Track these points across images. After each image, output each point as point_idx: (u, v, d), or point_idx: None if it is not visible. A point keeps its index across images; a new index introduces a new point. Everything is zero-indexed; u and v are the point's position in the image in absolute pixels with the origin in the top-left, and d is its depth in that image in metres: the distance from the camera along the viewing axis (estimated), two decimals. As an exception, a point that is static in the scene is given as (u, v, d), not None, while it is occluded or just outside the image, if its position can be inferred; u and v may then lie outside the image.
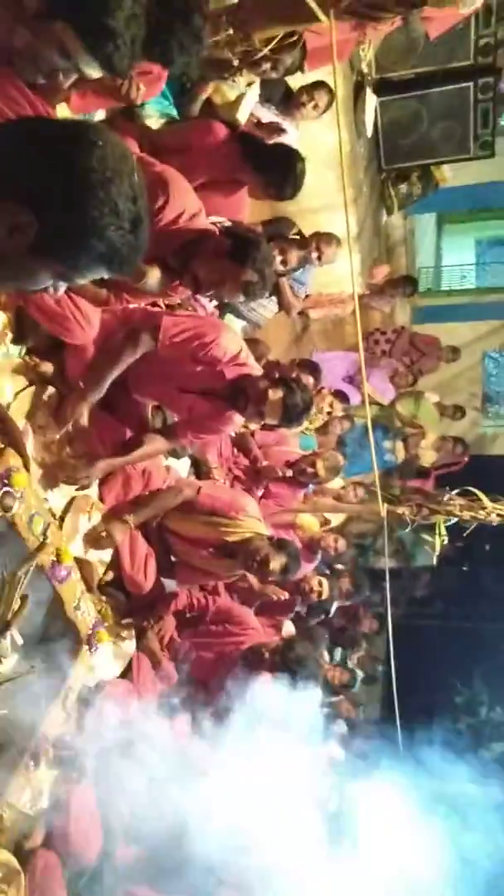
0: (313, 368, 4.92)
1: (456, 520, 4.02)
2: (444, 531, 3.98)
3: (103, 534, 2.84)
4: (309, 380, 4.62)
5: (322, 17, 2.44)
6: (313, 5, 2.37)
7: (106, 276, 1.11)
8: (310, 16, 2.42)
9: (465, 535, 4.04)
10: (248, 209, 3.16)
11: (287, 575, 3.30)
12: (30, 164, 0.96)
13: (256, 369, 2.91)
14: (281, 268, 3.88)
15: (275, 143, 3.27)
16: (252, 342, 4.28)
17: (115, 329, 2.64)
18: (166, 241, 2.32)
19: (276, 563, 3.17)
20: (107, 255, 1.03)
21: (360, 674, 6.26)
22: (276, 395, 2.75)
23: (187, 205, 2.36)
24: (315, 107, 3.68)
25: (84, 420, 2.54)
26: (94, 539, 2.80)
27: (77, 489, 2.70)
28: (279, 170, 2.93)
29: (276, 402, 2.75)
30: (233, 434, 4.19)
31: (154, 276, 2.31)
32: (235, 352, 2.73)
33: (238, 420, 2.97)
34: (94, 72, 1.44)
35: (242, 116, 3.29)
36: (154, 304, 3.16)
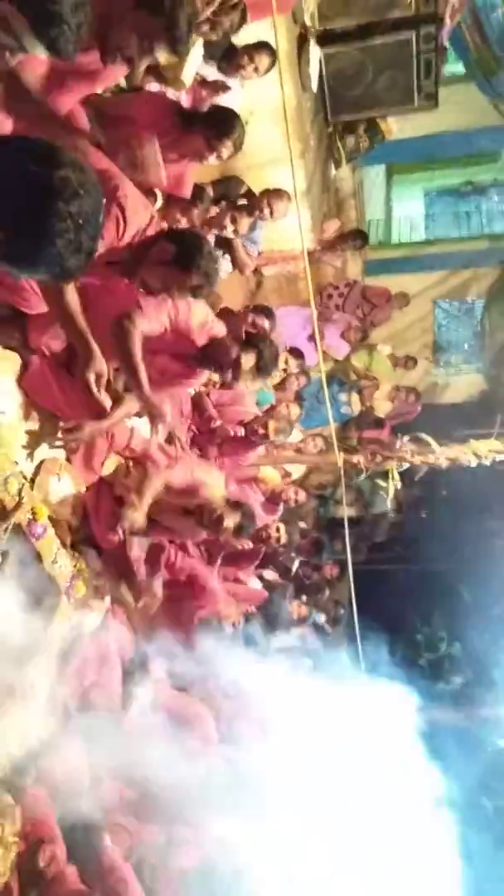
0: (268, 313, 5.02)
1: (408, 465, 4.24)
2: (396, 476, 4.20)
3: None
4: (265, 323, 4.73)
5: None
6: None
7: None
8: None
9: (416, 479, 4.28)
10: (191, 185, 3.22)
11: (241, 533, 3.46)
12: (9, 197, 1.14)
13: (221, 328, 3.02)
14: (232, 236, 3.96)
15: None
16: (204, 293, 4.36)
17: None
18: (118, 251, 2.41)
19: (230, 520, 3.32)
20: (58, 274, 1.23)
21: (322, 617, 6.58)
22: (248, 361, 2.91)
23: (140, 222, 2.42)
24: (255, 69, 3.69)
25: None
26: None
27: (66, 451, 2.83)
28: (218, 116, 3.02)
29: (250, 368, 2.92)
30: (192, 393, 4.31)
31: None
32: (203, 320, 2.84)
33: (204, 376, 3.11)
34: (41, 54, 1.50)
35: (187, 77, 3.30)
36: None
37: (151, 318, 2.58)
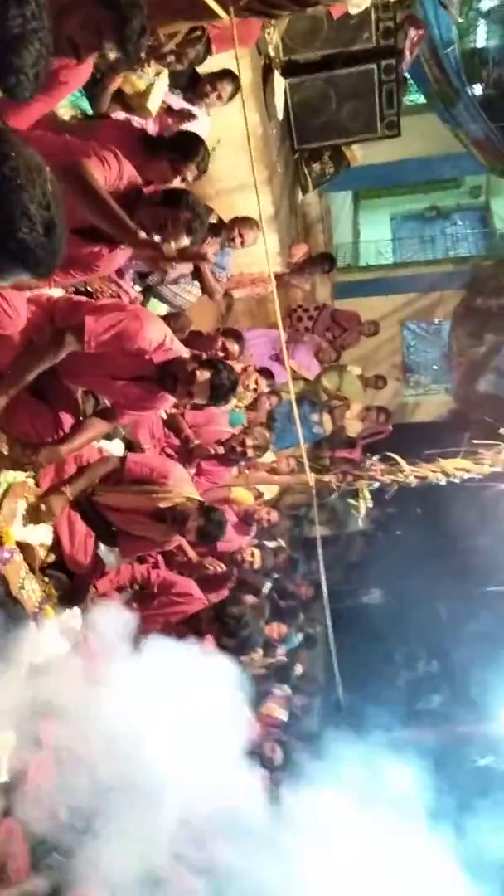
0: (237, 336, 5.07)
1: (379, 484, 4.29)
2: (368, 495, 4.24)
3: (42, 507, 2.93)
4: (234, 347, 4.79)
5: (222, 14, 2.56)
6: (213, 4, 2.49)
7: (25, 277, 1.22)
8: (210, 13, 2.55)
9: (387, 497, 4.32)
10: None
11: (205, 539, 3.41)
12: None
13: (182, 351, 3.04)
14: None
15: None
16: (173, 317, 4.40)
17: (42, 320, 2.73)
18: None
19: (194, 522, 3.26)
20: (20, 254, 1.15)
21: (299, 637, 6.54)
22: (203, 376, 2.89)
23: (125, 172, 2.50)
24: (219, 97, 3.79)
25: None
26: (33, 513, 2.89)
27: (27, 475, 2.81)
28: (182, 140, 3.08)
29: (203, 383, 2.89)
30: (164, 416, 4.33)
31: None
32: (160, 339, 2.86)
33: (170, 398, 3.11)
34: None
35: (153, 105, 3.38)
36: (77, 291, 3.26)
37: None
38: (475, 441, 4.50)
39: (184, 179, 2.94)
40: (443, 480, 4.24)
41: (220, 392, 2.98)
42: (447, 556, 10.21)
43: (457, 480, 4.29)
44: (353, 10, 2.83)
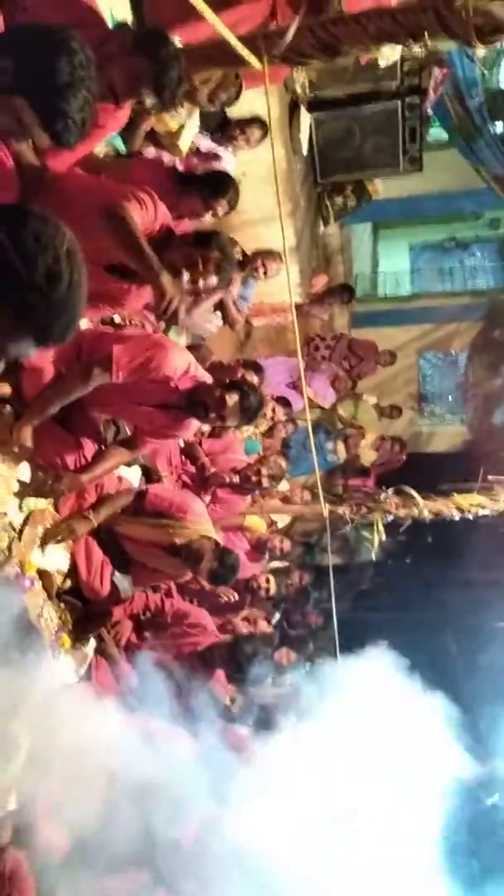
0: (257, 368, 5.15)
1: (392, 517, 4.30)
2: (381, 528, 4.24)
3: (64, 527, 2.98)
4: (254, 378, 4.85)
5: (255, 63, 2.65)
6: (247, 55, 2.58)
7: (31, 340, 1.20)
8: (243, 61, 2.63)
9: (401, 530, 4.32)
10: None
11: (216, 582, 3.45)
12: None
13: (206, 377, 3.10)
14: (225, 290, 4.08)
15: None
16: (194, 348, 4.48)
17: (69, 350, 2.79)
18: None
19: (208, 564, 3.30)
20: (13, 298, 1.11)
21: (307, 667, 6.50)
22: (232, 399, 2.96)
23: (159, 214, 2.57)
24: (247, 141, 3.90)
25: (28, 442, 2.69)
26: (51, 531, 2.93)
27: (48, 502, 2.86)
28: (214, 178, 3.21)
29: (233, 407, 2.97)
30: (182, 444, 4.38)
31: None
32: (185, 367, 2.92)
33: (195, 425, 3.17)
34: (44, 141, 1.62)
35: (184, 145, 3.47)
36: (103, 321, 3.33)
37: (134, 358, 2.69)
38: (490, 477, 4.51)
39: (214, 214, 3.02)
40: (457, 516, 4.25)
41: (249, 413, 3.06)
42: (458, 588, 10.12)
43: (470, 516, 4.30)
44: (382, 63, 2.90)
